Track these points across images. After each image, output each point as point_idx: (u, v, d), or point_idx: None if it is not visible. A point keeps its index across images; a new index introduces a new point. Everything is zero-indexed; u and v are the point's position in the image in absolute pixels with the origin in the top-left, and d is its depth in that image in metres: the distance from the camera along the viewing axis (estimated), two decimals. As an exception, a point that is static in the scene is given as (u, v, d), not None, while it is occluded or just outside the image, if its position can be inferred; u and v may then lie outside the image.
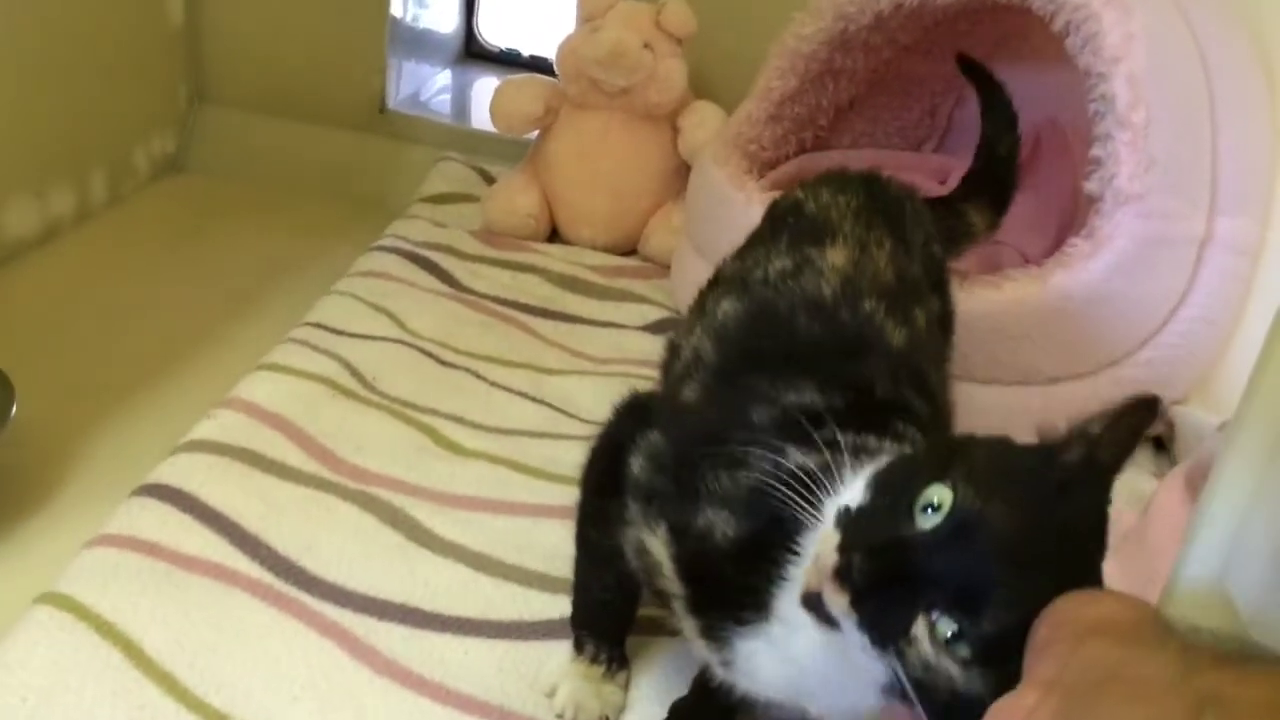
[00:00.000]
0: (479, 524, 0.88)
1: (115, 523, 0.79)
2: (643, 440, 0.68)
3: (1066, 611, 0.45)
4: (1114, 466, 0.53)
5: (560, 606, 0.81)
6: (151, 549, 0.78)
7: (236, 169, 1.59)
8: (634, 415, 0.72)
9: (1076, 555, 0.50)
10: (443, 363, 1.12)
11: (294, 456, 0.91)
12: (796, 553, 0.56)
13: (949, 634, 0.47)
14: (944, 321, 0.89)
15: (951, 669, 0.48)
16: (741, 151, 1.27)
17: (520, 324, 1.23)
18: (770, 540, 0.58)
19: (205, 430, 0.91)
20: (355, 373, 1.05)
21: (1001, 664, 0.47)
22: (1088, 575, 0.50)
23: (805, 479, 0.56)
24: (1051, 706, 0.40)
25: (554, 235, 1.46)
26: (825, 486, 0.55)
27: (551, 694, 0.73)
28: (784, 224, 0.85)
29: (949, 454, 0.52)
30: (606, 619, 0.75)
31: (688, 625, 0.63)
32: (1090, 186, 1.04)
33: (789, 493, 0.55)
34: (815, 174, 0.97)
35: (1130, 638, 0.42)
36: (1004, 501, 0.49)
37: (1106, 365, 1.06)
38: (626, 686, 0.75)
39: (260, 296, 1.27)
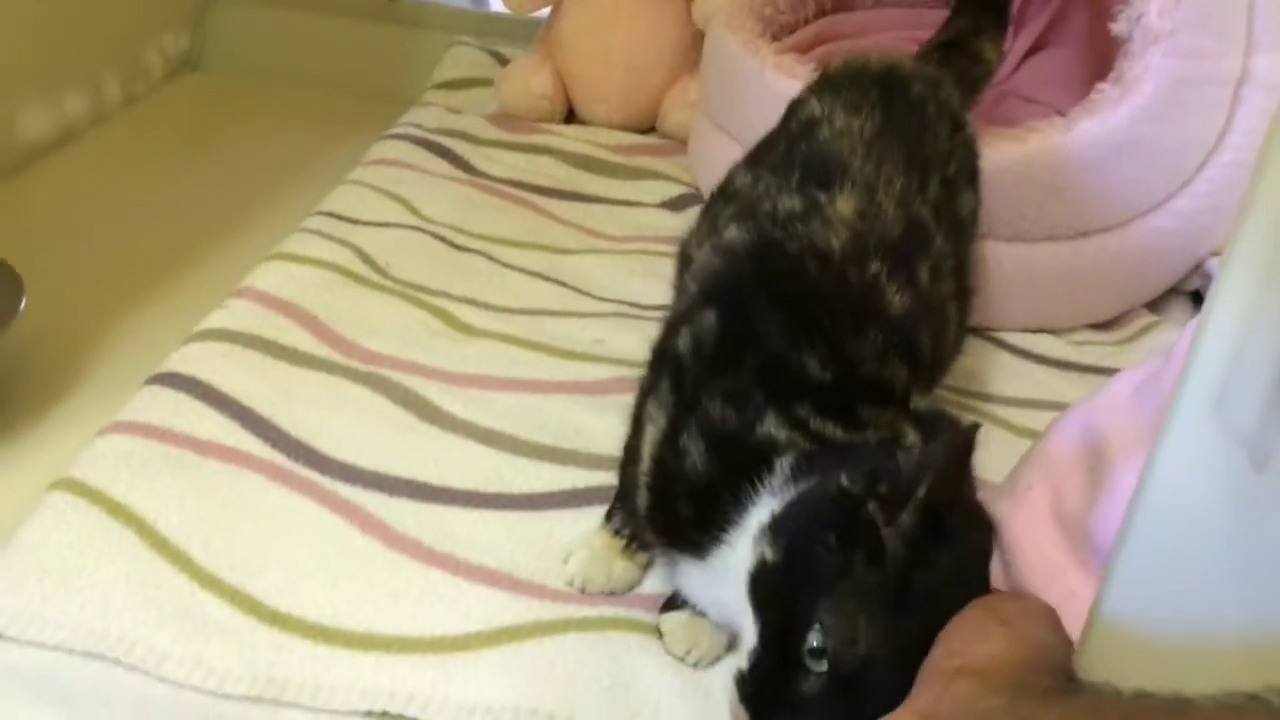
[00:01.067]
0: (489, 402, 0.88)
1: (128, 411, 0.80)
2: (697, 319, 0.70)
3: (955, 643, 0.50)
4: (949, 504, 0.55)
5: (571, 478, 0.81)
6: (164, 435, 0.78)
7: (250, 65, 1.57)
8: (712, 295, 0.73)
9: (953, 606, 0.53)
10: (456, 246, 1.11)
11: (305, 342, 0.91)
12: (736, 518, 0.62)
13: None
14: (973, 215, 0.89)
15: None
16: (756, 15, 1.22)
17: (535, 206, 1.21)
18: (721, 494, 0.62)
19: (217, 319, 0.91)
20: (367, 259, 1.04)
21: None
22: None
23: (763, 454, 0.62)
24: None
25: (570, 117, 1.43)
26: (770, 473, 0.61)
27: (566, 560, 0.74)
28: (797, 148, 0.82)
29: (806, 577, 0.56)
30: (636, 493, 0.74)
31: (646, 532, 0.69)
32: (1118, 28, 0.99)
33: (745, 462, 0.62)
34: (837, 61, 0.93)
35: (994, 679, 0.46)
36: (876, 629, 0.53)
37: (1138, 216, 1.02)
38: (646, 567, 0.74)
39: (275, 191, 1.26)
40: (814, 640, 0.53)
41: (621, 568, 0.73)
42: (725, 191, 0.86)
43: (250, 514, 0.74)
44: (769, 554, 0.58)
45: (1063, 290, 1.05)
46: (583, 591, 0.72)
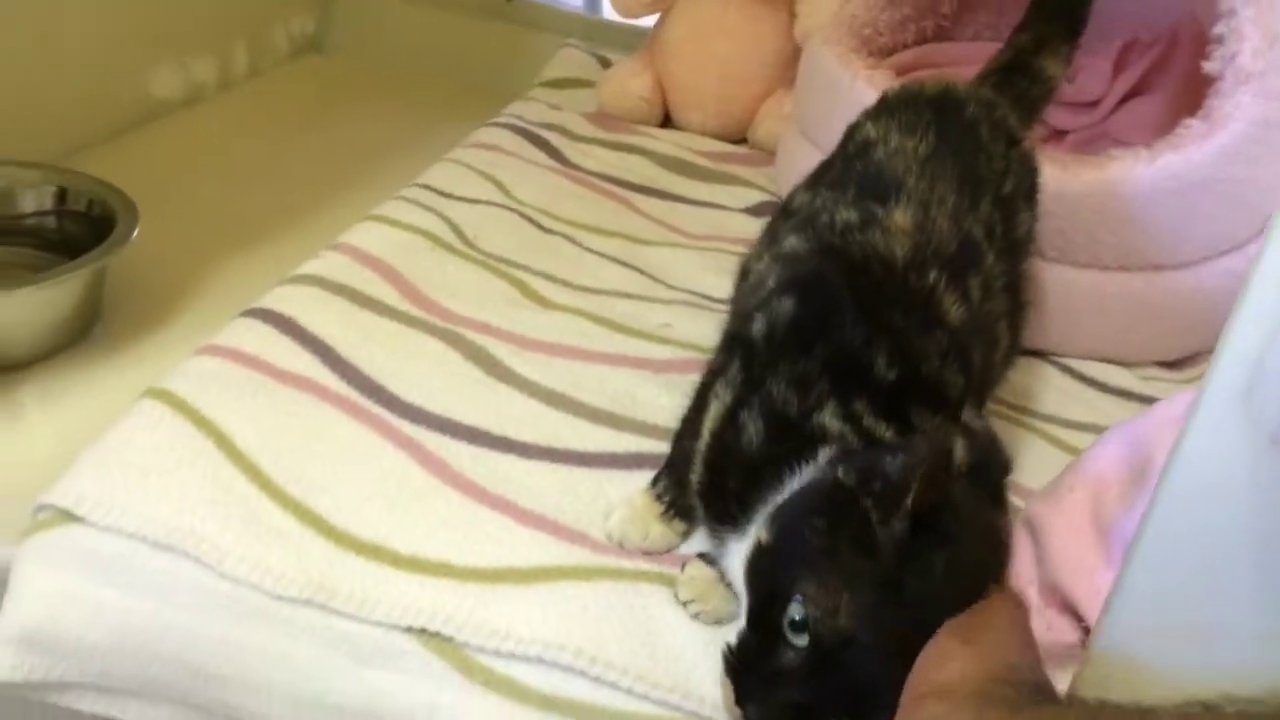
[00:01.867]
0: (556, 367, 0.91)
1: (221, 337, 0.86)
2: (774, 306, 0.72)
3: (922, 670, 0.50)
4: (940, 506, 0.56)
5: (624, 443, 0.84)
6: (250, 361, 0.84)
7: (371, 52, 1.65)
8: (791, 285, 0.75)
9: (944, 615, 0.53)
10: (542, 228, 1.15)
11: (389, 296, 0.96)
12: (774, 499, 0.63)
13: None
14: (1029, 234, 0.91)
15: None
16: (855, 34, 1.25)
17: (622, 199, 1.26)
18: (767, 474, 0.64)
19: (311, 267, 0.97)
20: (456, 229, 1.10)
21: None
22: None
23: (812, 441, 0.64)
24: None
25: (667, 122, 1.48)
26: (813, 460, 0.63)
27: (609, 516, 0.77)
28: (853, 167, 0.85)
29: (794, 556, 0.57)
30: (686, 465, 0.76)
31: (697, 507, 0.71)
32: (1210, 66, 0.99)
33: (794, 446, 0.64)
34: (901, 87, 0.96)
35: (956, 696, 0.47)
36: (859, 607, 0.54)
37: (1215, 256, 1.02)
38: (683, 535, 0.77)
39: (380, 165, 1.33)
40: (795, 613, 0.55)
41: (659, 531, 0.75)
42: (786, 210, 0.90)
43: (320, 439, 0.79)
44: (764, 536, 0.61)
45: (1132, 323, 1.05)
46: (620, 547, 0.75)
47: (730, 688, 0.58)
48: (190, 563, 0.68)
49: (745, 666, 0.58)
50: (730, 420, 0.69)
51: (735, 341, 0.75)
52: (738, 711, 0.57)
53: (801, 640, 0.55)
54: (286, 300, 0.92)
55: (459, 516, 0.75)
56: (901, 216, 0.78)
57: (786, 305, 0.72)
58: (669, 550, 0.76)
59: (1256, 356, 0.48)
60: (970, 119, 0.90)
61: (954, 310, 0.74)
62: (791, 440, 0.66)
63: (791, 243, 0.81)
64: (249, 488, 0.73)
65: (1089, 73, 1.39)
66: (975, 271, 0.78)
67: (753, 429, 0.68)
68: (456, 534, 0.73)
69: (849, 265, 0.75)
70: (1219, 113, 0.98)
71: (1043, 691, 0.49)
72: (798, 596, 0.55)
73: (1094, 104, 1.38)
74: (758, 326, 0.73)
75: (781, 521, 0.61)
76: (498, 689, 0.66)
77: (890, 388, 0.67)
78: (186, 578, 0.68)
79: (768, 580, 0.59)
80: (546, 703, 0.65)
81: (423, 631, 0.67)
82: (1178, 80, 1.32)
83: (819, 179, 0.90)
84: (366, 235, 1.03)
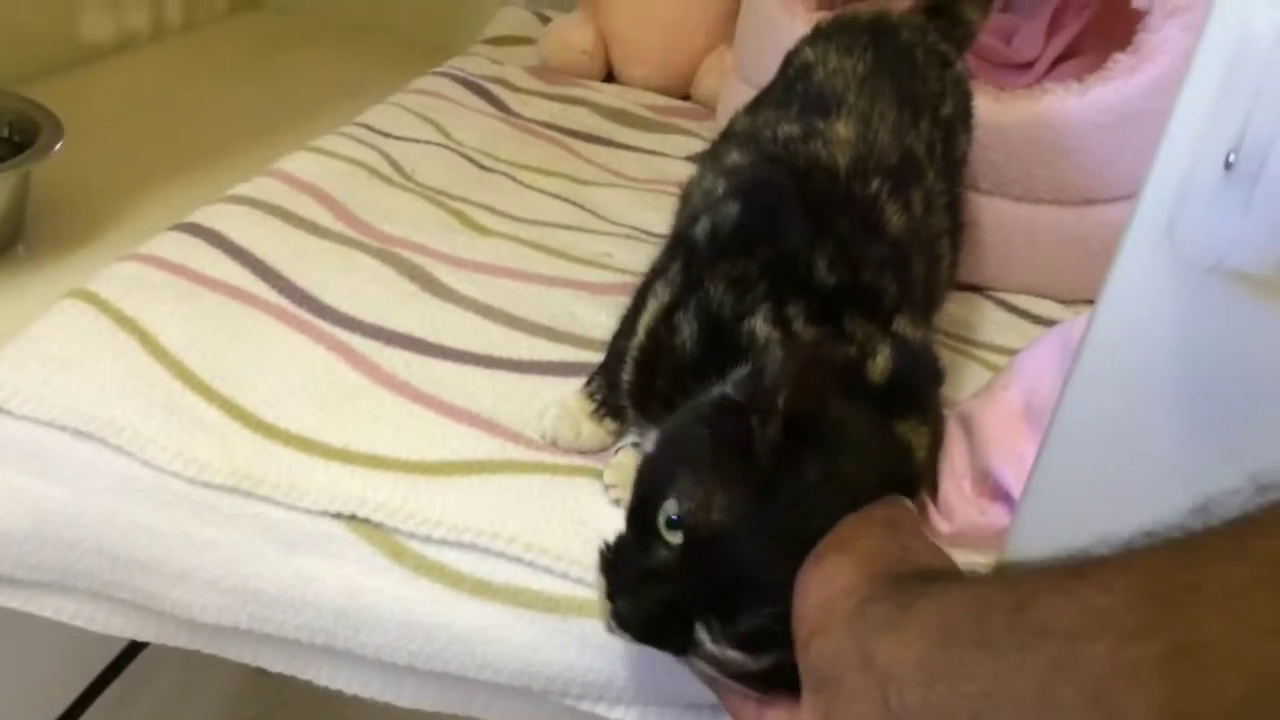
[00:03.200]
0: (494, 284, 0.90)
1: (146, 247, 0.84)
2: (719, 209, 0.73)
3: (804, 596, 0.49)
4: (814, 413, 0.54)
5: (563, 354, 0.83)
6: (176, 269, 0.82)
7: (311, 9, 1.64)
8: (738, 190, 0.75)
9: (817, 520, 0.52)
10: (482, 166, 1.14)
11: (323, 218, 0.94)
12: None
13: (722, 634, 0.52)
14: (964, 156, 0.93)
15: (736, 657, 0.52)
16: (796, -17, 1.26)
17: (564, 145, 1.25)
18: (695, 376, 0.64)
19: (243, 189, 0.95)
20: (394, 164, 1.08)
21: (783, 639, 0.50)
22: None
23: (742, 348, 0.64)
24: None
25: (610, 79, 1.47)
26: (739, 366, 0.62)
27: (542, 416, 0.76)
28: (794, 90, 0.87)
29: (674, 460, 0.57)
30: (617, 364, 0.75)
31: (627, 408, 0.71)
32: (1139, 1, 1.01)
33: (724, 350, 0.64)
34: (833, 16, 0.98)
35: (833, 620, 0.46)
36: (733, 504, 0.53)
37: (1145, 190, 1.04)
38: (616, 436, 0.76)
39: (317, 110, 1.30)
40: (670, 510, 0.54)
41: (590, 430, 0.74)
42: (727, 134, 0.91)
43: (249, 341, 0.77)
44: (649, 447, 0.61)
45: (1065, 258, 1.06)
46: (554, 445, 0.74)
47: (604, 583, 0.56)
48: (110, 451, 0.66)
49: (620, 563, 0.56)
50: (665, 320, 0.69)
51: (679, 242, 0.75)
52: (609, 605, 0.55)
53: (676, 538, 0.53)
54: (215, 216, 0.90)
55: (392, 414, 0.73)
56: (844, 128, 0.79)
57: (732, 208, 0.73)
58: (601, 449, 0.75)
59: (1178, 191, 0.49)
60: (906, 42, 0.92)
61: (896, 220, 0.75)
62: (721, 343, 0.65)
63: (734, 158, 0.82)
64: (173, 383, 0.72)
65: (1024, 35, 1.41)
66: (917, 185, 0.79)
67: (686, 330, 0.67)
68: (388, 428, 0.72)
69: (793, 173, 0.75)
70: (1147, 46, 1.00)
71: (928, 575, 0.47)
72: (674, 494, 0.54)
73: (1029, 65, 1.40)
74: (702, 227, 0.73)
75: (670, 432, 0.60)
76: (429, 574, 0.64)
77: (828, 293, 0.67)
78: (106, 466, 0.66)
79: (648, 482, 0.57)
80: (479, 587, 0.64)
81: (352, 518, 0.66)
82: (1109, 41, 1.35)
83: (760, 103, 0.91)
84: (301, 162, 1.02)
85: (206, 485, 0.66)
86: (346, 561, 0.65)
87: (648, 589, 0.54)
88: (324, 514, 0.66)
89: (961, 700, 0.38)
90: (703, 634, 0.52)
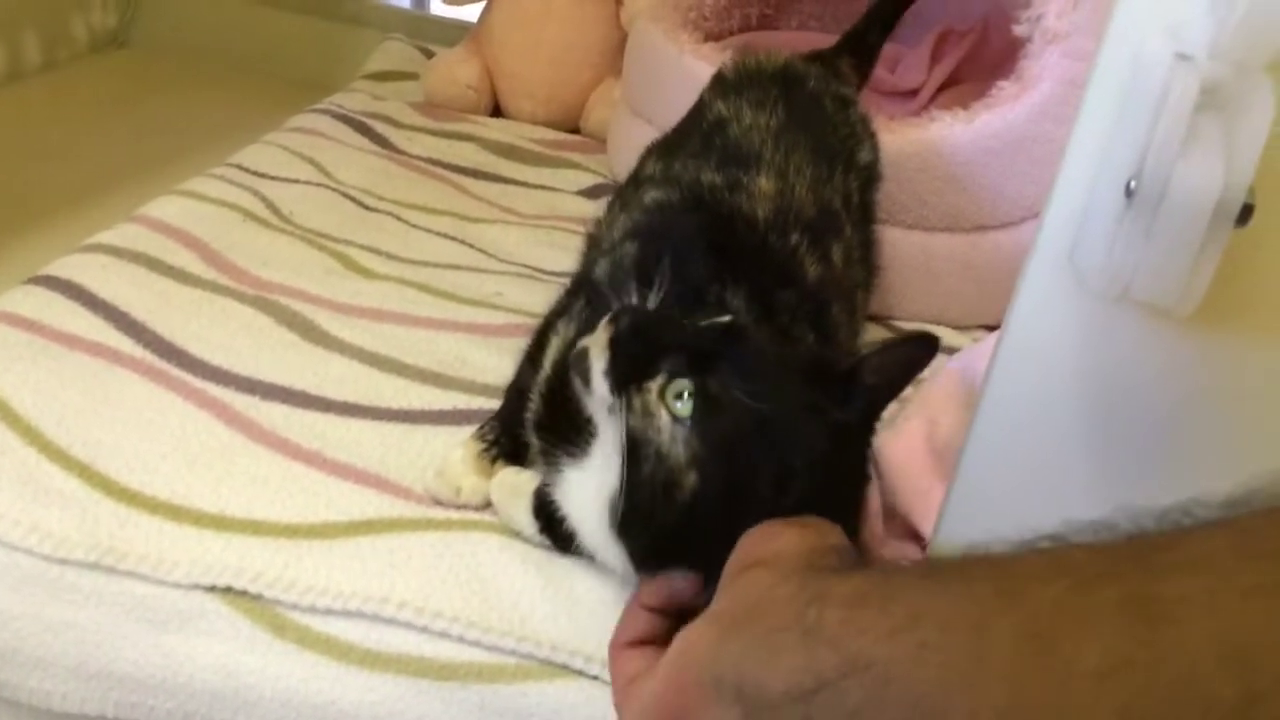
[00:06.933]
0: (379, 330, 0.86)
1: (-2, 303, 0.78)
2: (617, 251, 0.72)
3: (747, 546, 0.49)
4: (879, 387, 0.57)
5: (452, 400, 0.80)
6: (31, 325, 0.76)
7: (182, 48, 1.57)
8: (634, 233, 0.75)
9: (815, 426, 0.54)
10: (365, 206, 1.10)
11: (193, 264, 0.89)
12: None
13: (681, 392, 0.53)
14: (872, 178, 0.94)
15: (664, 422, 0.53)
16: (681, 14, 1.25)
17: (451, 182, 1.21)
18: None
19: (104, 237, 0.89)
20: (271, 205, 1.03)
21: (705, 441, 0.52)
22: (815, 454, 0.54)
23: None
24: (713, 633, 0.44)
25: (497, 113, 1.44)
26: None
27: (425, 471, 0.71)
28: (712, 142, 0.86)
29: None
30: (516, 404, 0.72)
31: (533, 442, 0.68)
32: (1019, 28, 1.03)
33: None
34: (735, 64, 0.97)
35: (784, 566, 0.46)
36: (763, 340, 0.57)
37: (1034, 215, 1.05)
38: None
39: (190, 155, 1.24)
40: (722, 317, 0.57)
41: (471, 485, 0.70)
42: (637, 178, 0.89)
43: (110, 401, 0.71)
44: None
45: (959, 285, 1.06)
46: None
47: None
48: (-47, 530, 0.60)
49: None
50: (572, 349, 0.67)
51: (579, 284, 0.74)
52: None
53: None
54: (73, 267, 0.84)
55: (269, 473, 0.69)
56: (765, 182, 0.79)
57: (629, 249, 0.72)
58: (487, 503, 0.71)
59: (1078, 219, 0.48)
60: (814, 91, 0.92)
61: (813, 270, 0.74)
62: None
63: (654, 195, 0.80)
64: (26, 450, 0.66)
65: (908, 63, 1.43)
66: (836, 238, 0.80)
67: (598, 355, 0.65)
68: (266, 490, 0.67)
69: (711, 219, 0.75)
70: (1029, 73, 1.01)
71: (865, 562, 0.48)
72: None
73: (914, 93, 1.42)
74: (601, 269, 0.72)
75: None
76: (313, 647, 0.60)
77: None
78: (-50, 546, 0.60)
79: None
80: (369, 658, 0.60)
81: (228, 590, 0.61)
82: (990, 69, 1.37)
83: (673, 150, 0.89)
84: (168, 207, 0.96)
85: (64, 562, 0.61)
86: (222, 638, 0.60)
87: (655, 318, 0.58)
88: (195, 587, 0.61)
89: (882, 619, 0.36)
90: (655, 385, 0.54)
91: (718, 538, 0.51)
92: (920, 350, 0.57)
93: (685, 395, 0.53)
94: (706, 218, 0.75)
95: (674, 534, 0.54)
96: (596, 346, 0.56)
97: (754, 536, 0.49)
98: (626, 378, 0.55)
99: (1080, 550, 0.33)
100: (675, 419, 0.53)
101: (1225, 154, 0.40)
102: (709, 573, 0.51)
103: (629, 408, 0.54)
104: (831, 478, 0.56)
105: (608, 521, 0.57)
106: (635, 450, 0.54)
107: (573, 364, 0.57)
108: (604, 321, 0.57)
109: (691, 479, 0.53)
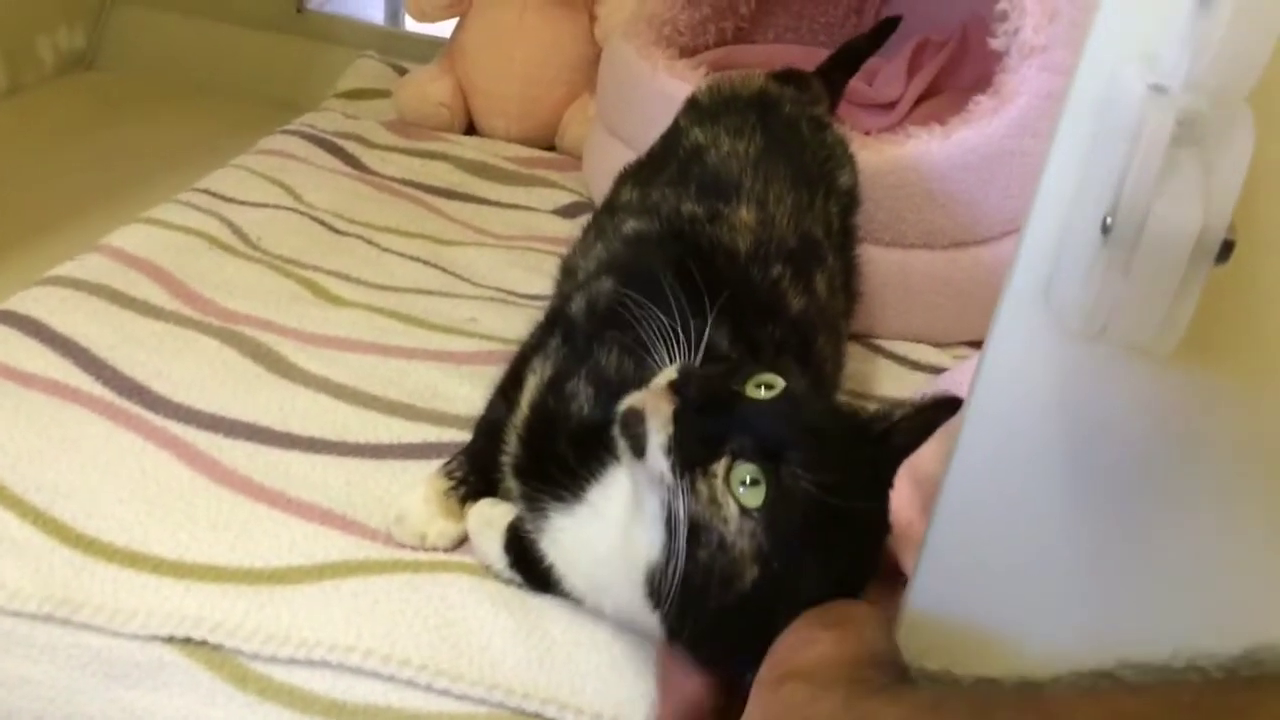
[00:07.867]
0: (347, 362, 0.84)
1: (-49, 342, 0.76)
2: (593, 287, 0.70)
3: (782, 652, 0.48)
4: (905, 447, 0.57)
5: (421, 433, 0.78)
6: (-14, 364, 0.74)
7: (150, 69, 1.54)
8: (609, 269, 0.73)
9: (873, 515, 0.55)
10: (335, 230, 1.08)
11: (156, 296, 0.87)
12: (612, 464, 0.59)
13: (746, 478, 0.50)
14: (853, 202, 0.93)
15: (731, 512, 0.50)
16: (655, 30, 1.23)
17: (424, 202, 1.20)
18: (601, 439, 0.59)
19: (65, 269, 0.87)
20: (238, 232, 1.01)
21: (773, 534, 0.50)
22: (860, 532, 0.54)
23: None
24: None
25: (470, 131, 1.42)
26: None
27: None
28: (690, 172, 0.84)
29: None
30: (487, 441, 0.70)
31: (512, 485, 0.66)
32: (996, 43, 1.01)
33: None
34: (709, 88, 0.96)
35: (823, 678, 0.44)
36: (820, 414, 0.54)
37: (1013, 231, 1.04)
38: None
39: (157, 180, 1.22)
40: (768, 378, 0.54)
41: (439, 530, 0.68)
42: (612, 205, 0.88)
43: (68, 443, 0.70)
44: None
45: (938, 301, 1.05)
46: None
47: (672, 371, 0.55)
48: (-99, 583, 0.58)
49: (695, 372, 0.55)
50: (553, 391, 0.65)
51: (554, 322, 0.72)
52: (666, 379, 0.54)
53: (762, 395, 0.54)
54: (32, 301, 0.82)
55: (230, 516, 0.67)
56: (745, 213, 0.77)
57: (605, 285, 0.70)
58: (455, 545, 0.69)
59: (1054, 256, 0.46)
60: (790, 116, 0.91)
61: (796, 302, 0.73)
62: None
63: (633, 225, 0.78)
64: (-22, 498, 0.64)
65: (886, 75, 1.42)
66: (820, 267, 0.78)
67: (584, 396, 0.63)
68: (228, 534, 0.65)
69: (691, 253, 0.73)
70: (1007, 88, 1.00)
71: (905, 674, 0.46)
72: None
73: (891, 105, 1.41)
74: (576, 306, 0.70)
75: None
76: (276, 698, 0.58)
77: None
78: (-104, 601, 0.58)
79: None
80: (335, 709, 0.58)
81: (187, 641, 0.59)
82: (968, 80, 1.36)
83: (650, 178, 0.87)
84: (132, 236, 0.94)
85: (17, 614, 0.59)
86: (181, 691, 0.58)
87: (721, 389, 0.54)
88: (154, 639, 0.59)
89: None
90: (721, 468, 0.51)
91: (768, 627, 0.49)
92: (945, 413, 0.56)
93: (749, 481, 0.50)
94: (686, 250, 0.73)
95: (722, 619, 0.52)
96: (657, 418, 0.52)
97: (788, 641, 0.48)
98: (693, 461, 0.51)
99: (1133, 700, 0.31)
100: (743, 510, 0.50)
101: (1204, 189, 0.39)
102: (751, 656, 0.49)
103: (692, 490, 0.51)
104: (875, 559, 0.56)
105: (644, 590, 0.54)
106: (696, 535, 0.51)
107: (621, 427, 0.53)
108: (660, 383, 0.53)
109: (754, 572, 0.50)
